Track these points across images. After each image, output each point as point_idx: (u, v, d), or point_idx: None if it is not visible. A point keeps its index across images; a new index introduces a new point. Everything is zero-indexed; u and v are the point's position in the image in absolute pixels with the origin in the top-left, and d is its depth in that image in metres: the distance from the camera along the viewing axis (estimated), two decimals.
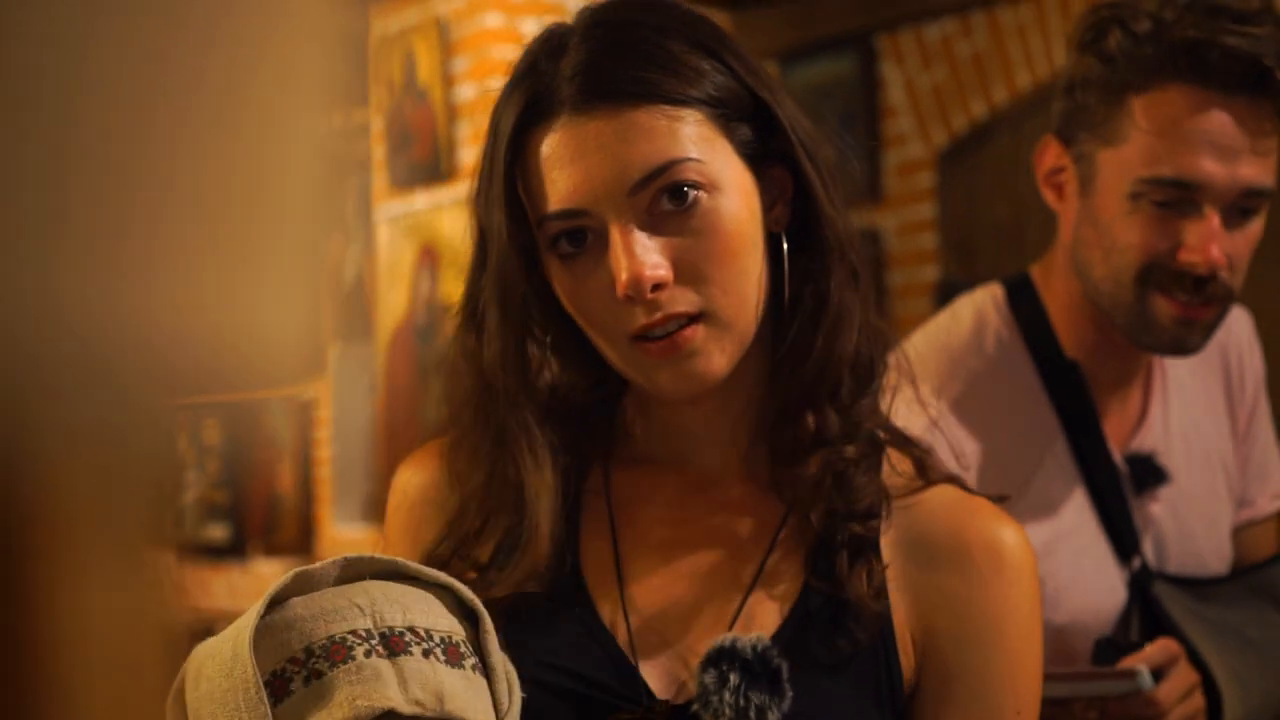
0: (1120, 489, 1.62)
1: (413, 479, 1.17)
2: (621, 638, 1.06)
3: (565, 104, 1.03)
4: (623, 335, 1.04)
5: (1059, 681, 1.53)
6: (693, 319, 1.03)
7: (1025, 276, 1.67)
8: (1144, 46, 1.50)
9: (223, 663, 0.92)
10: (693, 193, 1.02)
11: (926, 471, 1.11)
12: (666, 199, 1.02)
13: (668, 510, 1.12)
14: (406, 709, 0.89)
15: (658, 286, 1.01)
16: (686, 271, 1.03)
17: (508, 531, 1.08)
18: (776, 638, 1.04)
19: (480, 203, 1.08)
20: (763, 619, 1.06)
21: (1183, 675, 1.53)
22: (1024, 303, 1.64)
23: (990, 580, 1.07)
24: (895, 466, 1.11)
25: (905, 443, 1.12)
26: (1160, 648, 1.53)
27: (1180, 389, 1.71)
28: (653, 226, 1.02)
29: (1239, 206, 1.51)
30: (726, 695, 1.00)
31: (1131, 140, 1.51)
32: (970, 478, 1.46)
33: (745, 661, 1.01)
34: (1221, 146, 1.49)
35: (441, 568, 1.06)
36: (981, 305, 1.65)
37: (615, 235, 1.02)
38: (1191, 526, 1.68)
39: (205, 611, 5.91)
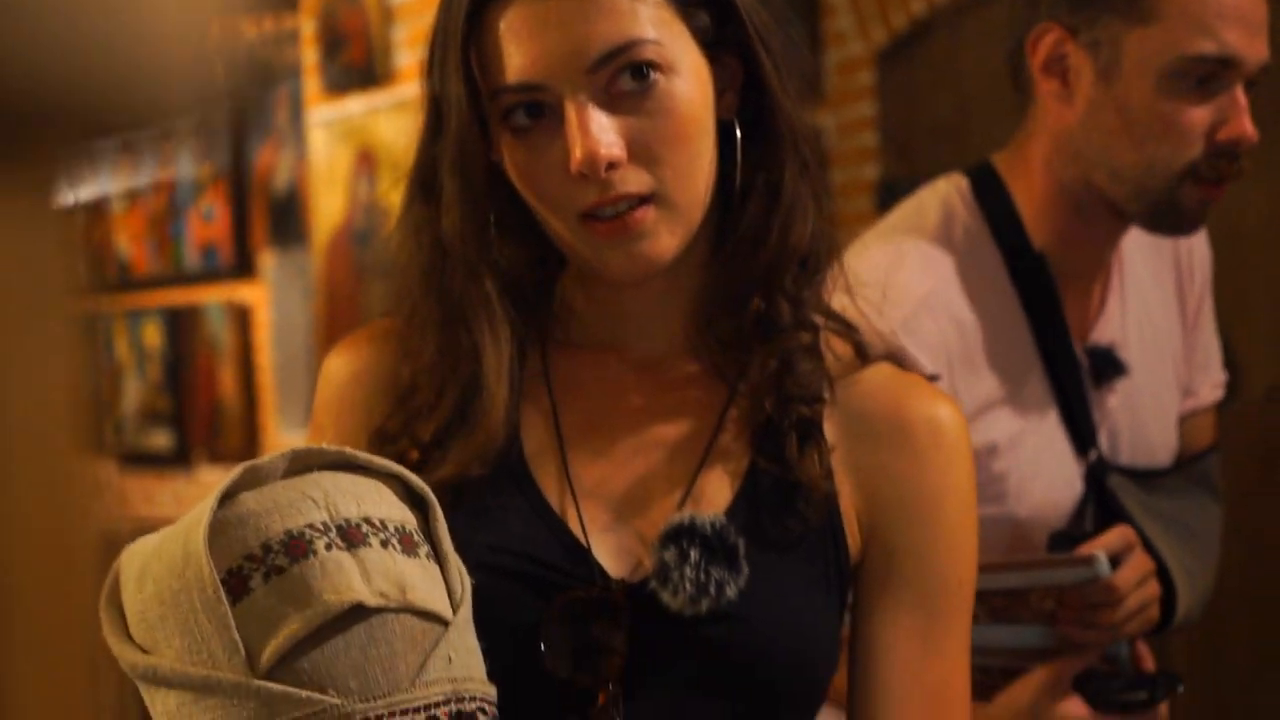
0: (1081, 382, 1.63)
1: (342, 366, 1.15)
2: (571, 519, 1.07)
3: None
4: (572, 213, 1.04)
5: (1016, 571, 1.55)
6: (644, 200, 1.03)
7: (989, 166, 1.65)
8: None
9: (172, 563, 0.90)
10: (652, 73, 1.03)
11: (864, 351, 1.12)
12: (626, 78, 1.03)
13: (610, 393, 1.12)
14: (372, 601, 0.88)
15: (611, 165, 1.02)
16: (640, 152, 1.03)
17: (456, 409, 1.08)
18: (729, 516, 1.05)
19: (434, 74, 1.08)
20: (712, 498, 1.08)
21: (1139, 562, 1.55)
22: (990, 193, 1.63)
23: (931, 456, 1.10)
24: (834, 350, 1.12)
25: (843, 326, 1.13)
26: (1117, 535, 1.55)
27: (1135, 280, 1.71)
28: (609, 105, 1.03)
29: (1249, 82, 1.53)
30: (687, 571, 1.01)
31: (1167, 18, 1.49)
32: (943, 373, 1.48)
33: (705, 538, 1.02)
34: (1249, 21, 1.50)
35: (390, 443, 1.06)
36: (947, 196, 1.64)
37: (571, 112, 1.02)
38: (1144, 418, 1.70)
39: (149, 520, 5.88)
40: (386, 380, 1.12)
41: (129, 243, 5.86)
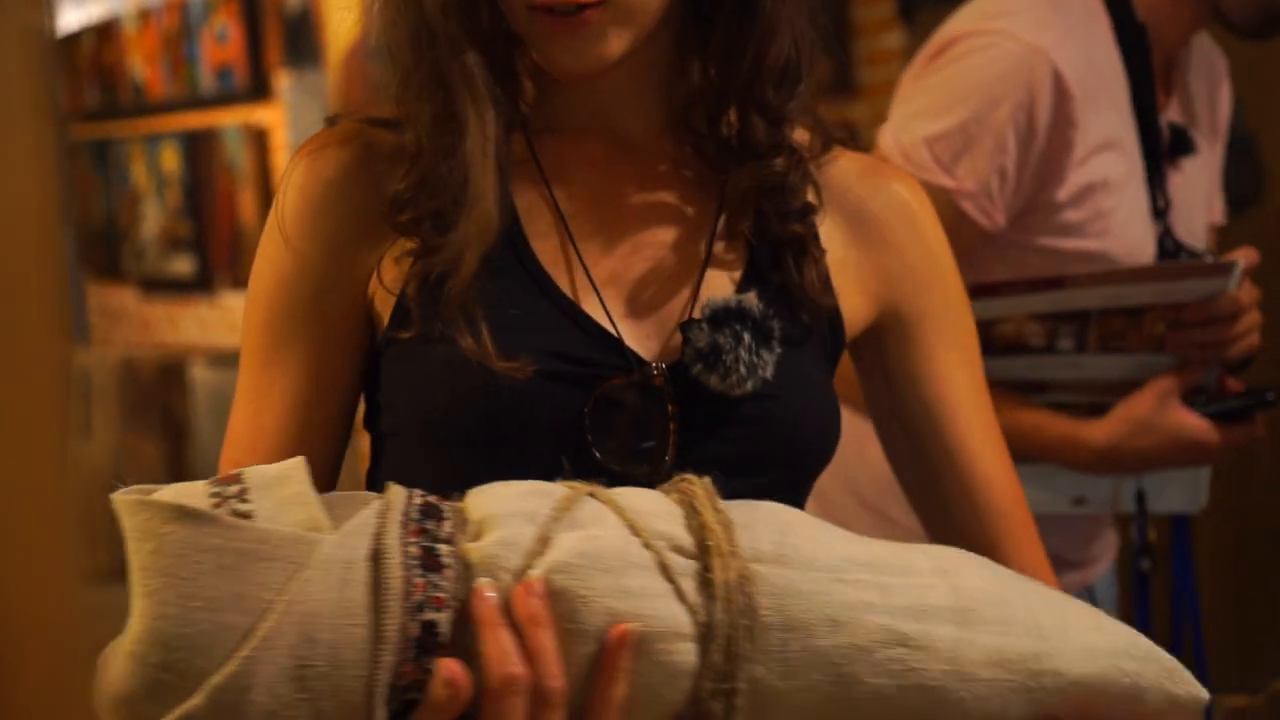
0: (1161, 153, 1.70)
1: (318, 171, 1.10)
2: (594, 310, 1.06)
3: None
4: (521, 4, 1.03)
5: (1145, 283, 1.62)
6: (599, 3, 1.02)
7: None
8: None
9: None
10: None
11: (828, 135, 1.13)
12: None
13: (601, 174, 1.11)
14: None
15: None
16: None
17: (456, 185, 1.05)
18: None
19: None
20: (724, 280, 1.09)
21: (1250, 285, 1.64)
22: None
23: (921, 225, 1.15)
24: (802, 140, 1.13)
25: (817, 121, 1.13)
26: (1244, 252, 1.63)
27: (1192, 75, 1.79)
28: None
29: None
30: (742, 353, 1.03)
31: None
32: (1076, 98, 1.59)
33: (755, 320, 1.04)
34: None
35: (402, 211, 1.04)
36: None
37: None
38: (1192, 203, 1.77)
39: (174, 347, 5.92)
40: (366, 184, 1.09)
41: (143, 65, 5.80)
